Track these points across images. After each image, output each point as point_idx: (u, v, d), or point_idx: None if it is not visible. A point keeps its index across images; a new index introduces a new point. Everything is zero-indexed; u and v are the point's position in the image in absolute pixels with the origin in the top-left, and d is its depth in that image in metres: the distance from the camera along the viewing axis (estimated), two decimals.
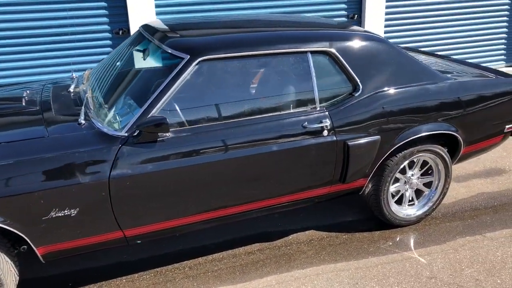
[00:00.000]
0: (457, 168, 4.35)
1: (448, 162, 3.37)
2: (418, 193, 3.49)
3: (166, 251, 3.23)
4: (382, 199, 3.26)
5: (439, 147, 3.29)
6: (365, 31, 3.18)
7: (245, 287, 2.85)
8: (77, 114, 2.74)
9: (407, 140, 3.11)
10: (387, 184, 3.23)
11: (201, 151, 2.62)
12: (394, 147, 3.10)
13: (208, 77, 2.71)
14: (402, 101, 3.09)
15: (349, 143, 2.95)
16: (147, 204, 2.59)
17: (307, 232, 3.42)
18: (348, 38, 3.03)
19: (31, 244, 2.44)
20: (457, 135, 3.30)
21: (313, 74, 2.91)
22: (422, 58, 3.98)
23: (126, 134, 2.52)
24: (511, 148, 4.77)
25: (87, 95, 2.97)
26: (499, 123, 3.52)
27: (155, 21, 3.45)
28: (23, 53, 5.21)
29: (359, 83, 3.00)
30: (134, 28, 5.58)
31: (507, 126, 3.57)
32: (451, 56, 5.61)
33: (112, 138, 2.52)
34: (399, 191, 3.40)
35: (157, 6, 5.73)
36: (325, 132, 2.89)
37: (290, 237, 3.36)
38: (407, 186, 3.40)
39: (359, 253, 3.16)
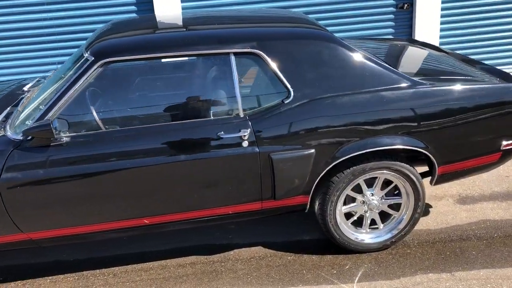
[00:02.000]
0: (470, 187, 3.68)
1: (417, 183, 2.84)
2: (387, 216, 3.00)
3: (105, 254, 3.19)
4: (328, 220, 2.86)
5: (402, 164, 2.77)
6: (308, 27, 2.78)
7: None
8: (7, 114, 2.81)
9: (350, 155, 2.67)
10: (333, 203, 2.82)
11: (99, 158, 2.51)
12: (335, 163, 2.68)
13: (114, 80, 2.58)
14: (345, 110, 2.66)
15: (272, 156, 2.61)
16: (43, 209, 2.56)
17: (253, 248, 3.14)
18: (279, 36, 2.67)
19: None
20: (426, 152, 2.76)
21: (236, 78, 2.61)
22: (417, 53, 3.40)
23: (21, 138, 2.50)
24: None
25: (25, 96, 3.02)
26: (492, 138, 2.87)
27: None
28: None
29: (290, 89, 2.63)
30: None
31: (504, 143, 2.89)
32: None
33: (9, 141, 2.52)
34: (355, 212, 2.95)
35: None
36: (245, 143, 2.59)
37: (232, 252, 3.11)
38: (366, 207, 2.93)
39: (292, 279, 2.81)
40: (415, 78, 2.81)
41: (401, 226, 2.96)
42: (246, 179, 2.66)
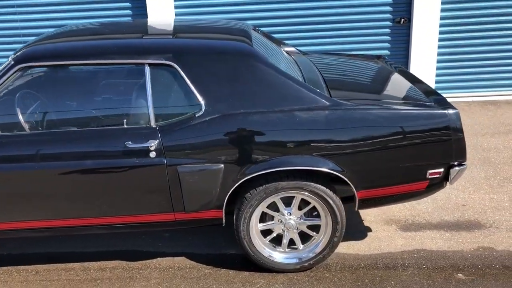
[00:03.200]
0: (419, 213, 3.53)
1: (334, 206, 2.76)
2: (309, 237, 2.93)
3: (37, 251, 3.29)
4: (241, 236, 2.82)
5: (316, 186, 2.70)
6: (229, 41, 2.75)
7: None
8: None
9: (258, 173, 2.63)
10: (246, 220, 2.78)
11: (13, 159, 2.60)
12: (243, 179, 2.65)
13: (31, 85, 2.67)
14: (255, 127, 2.62)
15: (179, 169, 2.62)
16: None
17: (176, 258, 3.14)
18: (195, 50, 2.67)
19: None
20: (341, 175, 2.68)
21: (149, 89, 2.63)
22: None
23: None
24: (505, 202, 3.69)
25: None
26: (416, 166, 2.75)
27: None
28: None
29: (202, 103, 2.63)
30: None
31: (429, 171, 2.76)
32: None
33: None
34: (274, 230, 2.90)
35: None
36: (152, 154, 2.61)
37: (154, 260, 3.13)
38: (283, 226, 2.87)
39: None
40: (337, 99, 2.73)
41: (319, 249, 2.88)
42: (154, 190, 2.68)
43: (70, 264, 3.13)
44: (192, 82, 2.62)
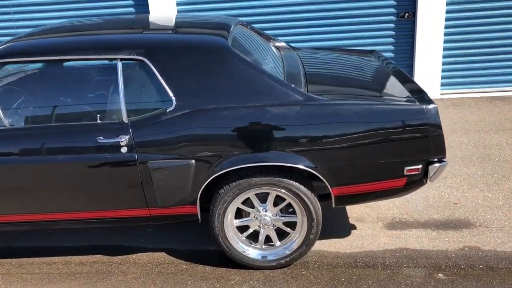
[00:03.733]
0: (407, 211, 3.44)
1: (309, 203, 2.71)
2: (286, 234, 2.89)
3: (23, 245, 3.34)
4: (216, 232, 2.81)
5: (290, 182, 2.66)
6: (203, 35, 2.74)
7: None
8: None
9: (228, 169, 2.61)
10: (220, 216, 2.76)
11: None
12: (215, 175, 2.63)
13: (9, 81, 2.70)
14: (225, 123, 2.60)
15: (149, 164, 2.62)
16: None
17: (156, 253, 3.15)
18: (166, 45, 2.66)
19: None
20: (314, 171, 2.63)
21: (121, 84, 2.63)
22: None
23: None
24: (499, 200, 3.56)
25: None
26: (393, 163, 2.67)
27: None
28: None
29: (173, 98, 2.61)
30: None
31: (407, 168, 2.68)
32: None
33: None
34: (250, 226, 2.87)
35: None
36: (124, 149, 2.61)
37: (135, 255, 3.14)
38: (259, 223, 2.84)
39: (175, 285, 2.81)
40: (312, 94, 2.68)
41: (295, 246, 2.84)
42: (127, 185, 2.69)
43: (54, 258, 3.17)
44: (163, 77, 2.61)
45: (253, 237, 2.91)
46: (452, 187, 3.74)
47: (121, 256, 3.15)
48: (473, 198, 3.58)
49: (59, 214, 2.79)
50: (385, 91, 2.89)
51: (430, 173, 2.70)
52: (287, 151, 2.60)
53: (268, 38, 3.89)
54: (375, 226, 3.31)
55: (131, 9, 5.89)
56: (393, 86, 2.98)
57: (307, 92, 2.73)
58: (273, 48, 3.76)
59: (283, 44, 3.91)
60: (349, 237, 3.21)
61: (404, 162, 2.66)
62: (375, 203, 3.56)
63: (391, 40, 5.89)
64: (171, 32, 2.81)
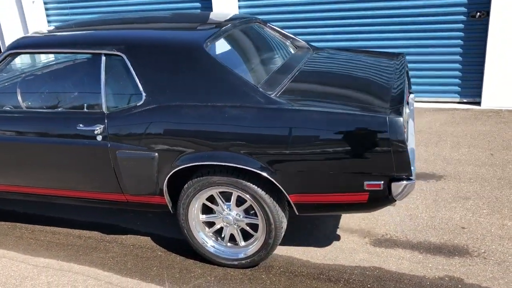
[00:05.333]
0: (404, 229, 3.18)
1: (265, 206, 2.68)
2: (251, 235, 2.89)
3: (45, 213, 3.79)
4: (181, 225, 2.91)
5: (246, 184, 2.66)
6: (180, 32, 2.81)
7: (30, 260, 3.17)
8: None
9: (186, 165, 2.68)
10: (184, 209, 2.86)
11: None
12: (175, 170, 2.73)
13: (20, 69, 3.08)
14: (185, 120, 2.67)
15: (117, 154, 2.80)
16: None
17: (143, 237, 3.36)
18: (142, 41, 2.80)
19: None
20: (268, 176, 2.59)
21: (103, 76, 2.85)
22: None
23: None
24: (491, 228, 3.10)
25: None
26: (351, 174, 2.52)
27: None
28: None
29: (143, 93, 2.76)
30: None
31: (366, 182, 2.51)
32: None
33: None
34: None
35: None
36: (99, 137, 2.83)
37: (125, 236, 3.39)
38: (222, 221, 2.88)
39: (136, 271, 2.97)
40: (275, 98, 2.63)
41: (255, 249, 2.83)
42: (103, 171, 2.91)
43: (60, 228, 3.56)
44: (136, 72, 2.77)
45: (220, 233, 2.96)
46: (469, 210, 3.37)
47: (113, 235, 3.41)
48: (487, 224, 3.19)
49: (52, 190, 3.12)
50: (362, 97, 2.70)
51: (394, 191, 2.49)
52: (241, 153, 2.60)
53: (287, 37, 3.85)
54: (360, 240, 3.14)
55: (197, 4, 6.18)
56: (377, 94, 2.78)
57: (278, 95, 2.69)
58: (289, 47, 3.72)
59: (303, 43, 3.84)
60: (327, 247, 3.09)
61: (362, 175, 2.50)
62: (372, 216, 3.37)
63: (459, 42, 5.38)
64: (153, 29, 2.95)
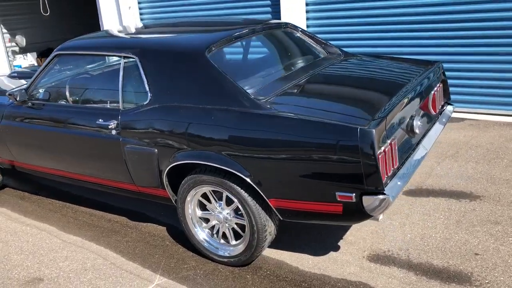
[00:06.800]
0: (409, 248, 3.00)
1: (248, 208, 2.75)
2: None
3: (94, 198, 4.24)
4: (179, 218, 3.09)
5: (232, 185, 2.74)
6: (183, 39, 2.99)
7: (62, 235, 3.60)
8: None
9: (179, 163, 2.85)
10: (180, 203, 3.04)
11: (32, 120, 3.55)
12: (171, 166, 2.92)
13: (62, 69, 3.53)
14: (180, 119, 2.84)
15: (125, 147, 3.07)
16: (18, 147, 3.77)
17: (161, 227, 3.61)
18: (153, 46, 3.04)
19: None
20: (247, 178, 2.65)
21: (121, 77, 3.15)
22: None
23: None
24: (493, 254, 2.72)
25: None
26: (322, 183, 2.47)
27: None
28: None
29: (149, 93, 2.99)
30: None
31: (338, 193, 2.44)
32: None
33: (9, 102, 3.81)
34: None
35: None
36: (113, 132, 3.14)
37: (145, 224, 3.67)
38: (215, 219, 3.00)
39: (141, 257, 3.22)
40: (260, 102, 2.68)
41: (240, 249, 2.91)
42: (116, 162, 3.21)
43: (97, 211, 3.97)
44: (145, 74, 3.02)
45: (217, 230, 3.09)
46: (493, 235, 3.06)
47: (137, 222, 3.72)
48: (505, 253, 2.88)
49: (76, 175, 3.53)
50: (350, 107, 2.62)
51: (365, 205, 2.40)
52: (222, 154, 2.70)
53: (319, 42, 3.83)
54: (358, 253, 3.03)
55: (267, 9, 6.33)
56: (370, 103, 2.67)
57: (269, 101, 2.74)
58: (317, 52, 3.71)
59: (335, 49, 3.80)
60: (321, 257, 3.04)
61: (333, 185, 2.44)
62: (382, 231, 3.22)
63: None
64: (167, 35, 3.19)
